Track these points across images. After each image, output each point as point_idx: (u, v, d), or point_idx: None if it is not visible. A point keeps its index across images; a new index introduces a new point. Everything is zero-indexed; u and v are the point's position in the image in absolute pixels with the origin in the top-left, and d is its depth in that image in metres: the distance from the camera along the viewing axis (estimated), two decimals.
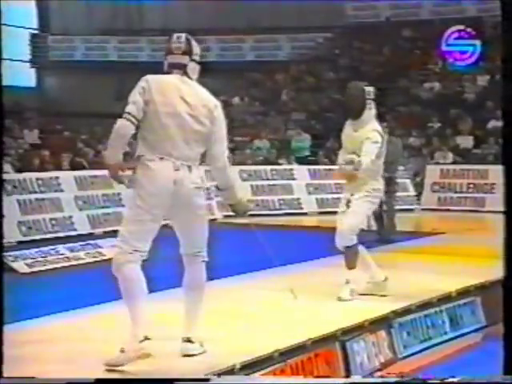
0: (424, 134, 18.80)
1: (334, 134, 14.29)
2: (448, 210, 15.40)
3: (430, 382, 4.37)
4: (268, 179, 15.47)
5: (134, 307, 4.62)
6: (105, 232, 11.76)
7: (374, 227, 11.52)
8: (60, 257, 9.70)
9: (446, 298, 6.68)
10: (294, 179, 15.62)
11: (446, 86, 20.79)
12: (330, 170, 14.65)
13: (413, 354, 5.97)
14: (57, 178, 12.28)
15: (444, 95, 20.34)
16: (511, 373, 3.90)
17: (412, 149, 17.68)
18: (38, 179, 11.98)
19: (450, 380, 4.21)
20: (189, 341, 4.87)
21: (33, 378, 4.16)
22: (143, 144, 4.72)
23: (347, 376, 5.24)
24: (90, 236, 11.50)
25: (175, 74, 4.83)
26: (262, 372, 4.69)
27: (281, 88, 23.61)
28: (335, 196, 13.05)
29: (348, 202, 6.63)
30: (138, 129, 4.69)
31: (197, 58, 4.91)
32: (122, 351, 4.53)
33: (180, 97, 4.73)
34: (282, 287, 6.50)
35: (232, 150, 18.70)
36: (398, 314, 6.11)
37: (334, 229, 6.74)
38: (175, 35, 4.90)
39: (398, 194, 12.64)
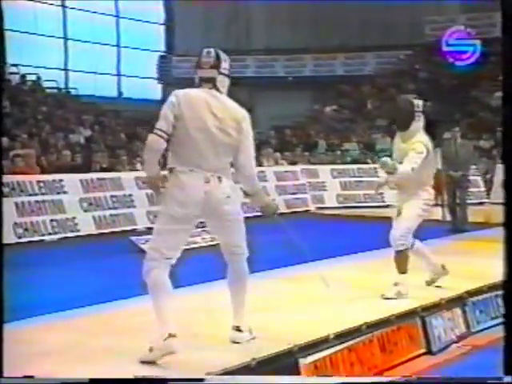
0: (493, 137, 18.30)
1: None
2: (504, 204, 14.89)
3: (430, 381, 4.12)
4: (355, 176, 15.37)
5: (160, 308, 4.24)
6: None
7: (449, 218, 11.31)
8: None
9: None
10: (377, 176, 15.44)
11: None
12: None
13: (485, 329, 5.80)
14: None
15: None
16: (511, 373, 3.57)
17: (482, 150, 17.24)
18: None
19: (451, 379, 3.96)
20: (238, 329, 4.54)
21: (33, 377, 3.76)
22: (174, 156, 4.32)
23: (428, 346, 5.14)
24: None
25: (204, 87, 4.37)
26: (352, 342, 4.65)
27: (366, 98, 23.38)
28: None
29: (399, 211, 6.10)
30: (169, 142, 4.30)
31: (225, 71, 4.43)
32: (151, 350, 4.19)
33: (209, 111, 4.30)
34: (371, 269, 6.41)
35: (325, 151, 18.75)
36: (471, 293, 5.94)
37: None
38: (205, 50, 4.46)
39: (470, 189, 12.36)
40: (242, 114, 4.41)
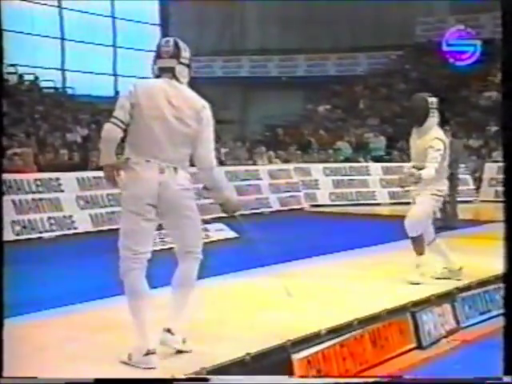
0: (483, 137, 18.36)
1: (403, 136, 14.06)
2: (503, 202, 14.95)
3: (430, 381, 4.07)
4: (347, 175, 15.41)
5: (138, 316, 4.02)
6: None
7: (439, 216, 11.35)
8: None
9: (503, 277, 6.47)
10: (369, 175, 15.52)
11: None
12: (400, 166, 14.45)
13: (474, 324, 5.83)
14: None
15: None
16: (511, 373, 3.52)
17: (472, 149, 17.31)
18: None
19: (451, 379, 3.91)
20: (169, 331, 4.17)
21: (33, 377, 3.61)
22: (130, 147, 4.13)
23: (418, 341, 5.15)
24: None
25: (164, 77, 4.16)
26: (344, 337, 4.65)
27: (358, 98, 23.40)
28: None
29: (414, 200, 6.34)
30: (126, 132, 4.09)
31: (185, 61, 4.20)
32: (129, 358, 4.02)
33: (166, 100, 4.07)
34: (362, 266, 6.43)
35: (316, 150, 18.77)
36: (460, 289, 5.96)
37: (403, 217, 6.51)
38: (164, 39, 4.27)
39: (460, 187, 12.40)
40: (202, 103, 4.18)
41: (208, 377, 3.71)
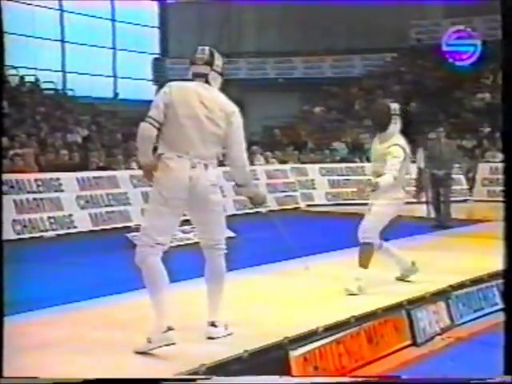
0: (476, 137, 18.37)
1: None
2: (496, 202, 14.97)
3: (430, 381, 4.02)
4: (343, 175, 15.38)
5: (157, 298, 4.16)
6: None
7: (433, 215, 11.34)
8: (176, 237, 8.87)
9: (496, 275, 6.48)
10: (364, 175, 15.44)
11: (495, 96, 20.18)
12: None
13: (467, 322, 5.83)
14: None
15: (494, 104, 19.74)
16: (511, 373, 3.50)
17: (465, 150, 17.29)
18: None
19: (451, 379, 3.88)
20: (213, 325, 4.44)
21: (34, 377, 3.60)
22: (163, 143, 4.28)
23: (413, 338, 5.15)
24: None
25: (197, 82, 4.37)
26: (340, 334, 4.65)
27: (354, 99, 23.38)
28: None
29: (370, 207, 6.01)
30: (160, 130, 4.26)
31: (218, 69, 4.40)
32: (149, 341, 4.12)
33: (199, 100, 4.26)
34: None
35: (312, 151, 18.76)
36: (454, 287, 5.95)
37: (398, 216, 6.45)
38: (200, 48, 4.45)
39: (454, 187, 12.40)
40: (232, 108, 4.37)
41: (209, 377, 3.71)
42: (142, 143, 4.27)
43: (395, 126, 6.03)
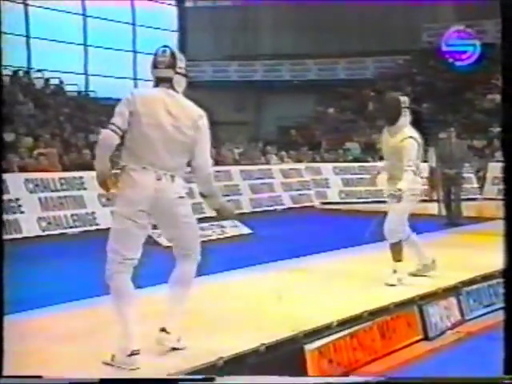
0: (486, 137, 18.25)
1: None
2: (504, 200, 14.85)
3: (430, 382, 3.95)
4: (356, 174, 15.34)
5: (124, 318, 3.88)
6: None
7: (445, 213, 11.29)
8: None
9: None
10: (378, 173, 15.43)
11: None
12: None
13: (478, 317, 5.80)
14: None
15: None
16: (511, 373, 3.44)
17: (476, 149, 17.20)
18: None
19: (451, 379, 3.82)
20: (164, 330, 4.05)
21: (34, 377, 3.47)
22: (127, 154, 3.98)
23: (425, 333, 5.13)
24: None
25: (161, 87, 4.04)
26: (354, 328, 4.64)
27: (367, 100, 23.30)
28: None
29: (392, 204, 5.95)
30: (123, 139, 3.95)
31: (182, 71, 4.07)
32: (112, 359, 3.86)
33: (164, 109, 3.95)
34: (370, 260, 6.41)
35: (326, 151, 18.72)
36: (465, 283, 5.93)
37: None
38: (161, 49, 4.11)
39: (464, 186, 12.33)
40: (199, 113, 4.06)
41: (213, 376, 3.60)
42: (100, 150, 4.00)
43: (405, 118, 5.99)
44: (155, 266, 4.62)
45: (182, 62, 4.10)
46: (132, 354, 3.82)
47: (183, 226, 4.05)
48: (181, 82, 4.08)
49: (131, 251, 3.93)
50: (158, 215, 3.99)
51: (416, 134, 5.99)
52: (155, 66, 4.10)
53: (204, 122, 4.06)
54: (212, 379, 3.56)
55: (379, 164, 6.47)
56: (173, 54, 4.09)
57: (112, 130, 3.93)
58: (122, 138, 3.96)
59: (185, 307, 4.13)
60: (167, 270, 4.20)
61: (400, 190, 5.72)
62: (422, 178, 6.17)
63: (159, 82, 4.08)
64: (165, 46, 4.10)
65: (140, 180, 3.92)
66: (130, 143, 3.99)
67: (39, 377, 3.46)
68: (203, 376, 3.63)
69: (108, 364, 3.86)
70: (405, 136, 5.89)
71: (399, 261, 6.04)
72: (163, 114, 3.96)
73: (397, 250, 6.04)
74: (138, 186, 3.91)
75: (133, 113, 3.95)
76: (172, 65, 4.06)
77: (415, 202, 6.07)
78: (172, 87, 4.05)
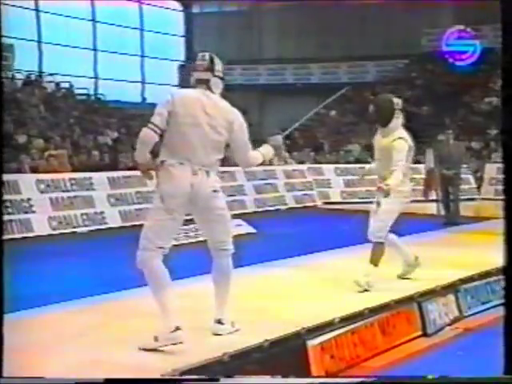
0: (483, 139, 18.22)
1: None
2: (503, 200, 14.82)
3: (431, 381, 3.83)
4: (357, 174, 15.25)
5: (162, 298, 4.02)
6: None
7: (443, 213, 11.26)
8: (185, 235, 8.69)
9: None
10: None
11: None
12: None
13: (475, 314, 5.78)
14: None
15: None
16: (511, 373, 3.37)
17: (473, 151, 17.18)
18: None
19: (451, 379, 3.73)
20: (219, 322, 4.32)
21: (34, 378, 3.41)
22: (165, 150, 4.16)
23: (424, 329, 5.12)
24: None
25: (199, 88, 4.23)
26: (355, 325, 4.63)
27: (368, 103, 23.27)
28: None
29: (378, 204, 5.81)
30: (162, 137, 4.14)
31: (219, 74, 4.28)
32: (156, 340, 3.99)
33: (202, 109, 4.14)
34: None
35: (328, 152, 18.69)
36: (463, 281, 5.91)
37: (408, 214, 6.31)
38: (200, 54, 4.36)
39: (462, 186, 12.31)
40: (234, 113, 4.26)
41: (217, 377, 3.57)
42: (140, 146, 4.15)
43: (398, 120, 5.80)
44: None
45: (219, 66, 4.31)
46: (176, 329, 3.95)
47: (217, 218, 4.23)
48: (218, 84, 4.28)
49: (164, 241, 4.10)
50: (194, 208, 4.17)
51: (407, 136, 5.82)
52: (195, 69, 4.31)
53: (239, 122, 4.26)
54: (216, 380, 3.55)
55: (367, 166, 6.34)
56: (211, 59, 4.30)
57: (151, 129, 4.09)
58: (161, 136, 4.12)
59: (229, 296, 4.36)
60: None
61: (388, 185, 5.54)
62: (410, 180, 5.99)
63: (197, 83, 4.27)
64: (204, 51, 4.36)
65: (177, 174, 4.09)
66: (168, 140, 4.15)
67: (35, 378, 3.41)
68: (202, 377, 3.60)
69: (148, 350, 3.96)
70: (395, 137, 5.74)
71: (375, 265, 5.76)
72: (200, 114, 4.14)
73: (378, 253, 5.78)
74: (175, 180, 4.09)
75: (171, 113, 4.11)
76: (210, 68, 4.26)
77: (403, 203, 5.86)
78: (209, 89, 4.24)
